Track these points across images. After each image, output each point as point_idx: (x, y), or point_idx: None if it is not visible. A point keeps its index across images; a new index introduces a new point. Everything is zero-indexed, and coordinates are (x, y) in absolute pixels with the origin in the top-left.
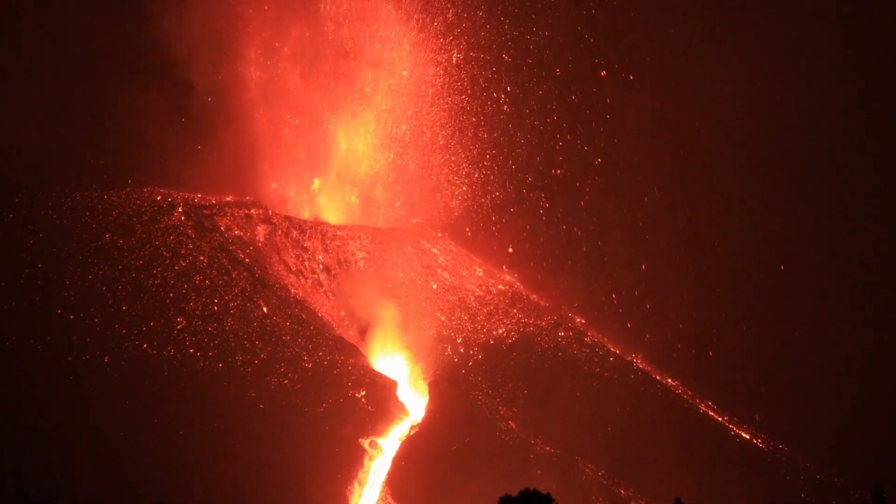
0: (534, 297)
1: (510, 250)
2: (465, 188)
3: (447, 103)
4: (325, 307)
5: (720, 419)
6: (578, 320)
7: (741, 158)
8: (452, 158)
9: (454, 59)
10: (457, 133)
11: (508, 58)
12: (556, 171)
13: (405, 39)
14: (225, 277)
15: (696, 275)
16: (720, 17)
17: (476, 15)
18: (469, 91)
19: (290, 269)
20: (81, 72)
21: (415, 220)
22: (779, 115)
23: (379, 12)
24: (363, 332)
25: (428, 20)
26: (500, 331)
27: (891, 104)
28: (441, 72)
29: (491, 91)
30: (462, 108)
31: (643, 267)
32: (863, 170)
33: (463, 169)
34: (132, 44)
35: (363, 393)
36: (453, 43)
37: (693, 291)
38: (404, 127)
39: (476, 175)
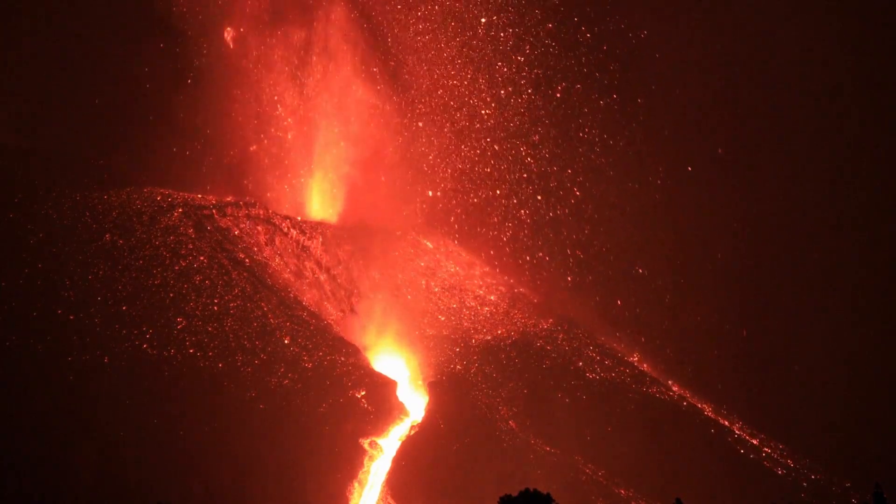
0: (533, 297)
1: (511, 251)
2: (465, 189)
3: (445, 106)
4: (324, 307)
5: (720, 419)
6: (578, 321)
7: (737, 161)
8: (453, 160)
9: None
10: (457, 136)
11: (504, 64)
12: (556, 174)
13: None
14: (225, 277)
15: (696, 276)
16: (717, 16)
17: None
18: (464, 95)
19: (290, 269)
20: (82, 73)
21: (415, 221)
22: (773, 116)
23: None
24: (363, 331)
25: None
26: (500, 331)
27: (885, 105)
28: (438, 75)
29: (483, 95)
30: (459, 110)
31: (642, 269)
32: (858, 172)
33: (464, 171)
34: (133, 45)
35: (363, 393)
36: (453, 45)
37: (692, 293)
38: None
39: (477, 176)
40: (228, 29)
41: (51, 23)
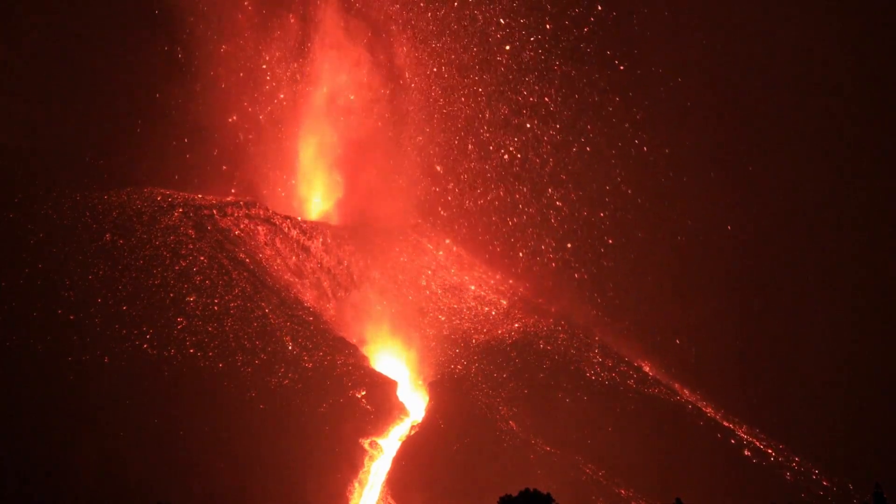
0: (533, 297)
1: (511, 251)
2: (466, 190)
3: (446, 108)
4: (325, 307)
5: (721, 420)
6: (578, 321)
7: (737, 162)
8: (454, 161)
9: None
10: (458, 138)
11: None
12: (556, 176)
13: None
14: (225, 277)
15: (697, 276)
16: (715, 18)
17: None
18: (465, 97)
19: (290, 269)
20: (82, 73)
21: (416, 222)
22: (769, 113)
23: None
24: (363, 331)
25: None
26: (500, 331)
27: (886, 105)
28: (435, 76)
29: (489, 97)
30: (460, 111)
31: (643, 269)
32: (859, 172)
33: (464, 172)
34: (133, 45)
35: (363, 393)
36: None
37: (693, 293)
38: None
39: (477, 177)
40: (222, 44)
41: (50, 23)
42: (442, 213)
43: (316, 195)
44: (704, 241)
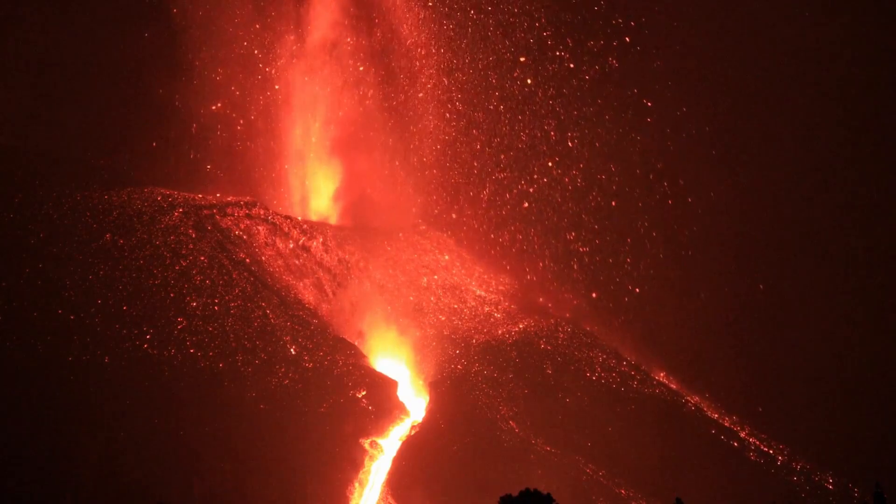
0: (534, 297)
1: (511, 251)
2: (465, 190)
3: (447, 110)
4: (325, 307)
5: (721, 420)
6: (578, 321)
7: (737, 165)
8: (454, 163)
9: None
10: (459, 139)
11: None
12: (556, 176)
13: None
14: (225, 277)
15: (696, 277)
16: (715, 17)
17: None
18: (468, 99)
19: (290, 269)
20: (82, 73)
21: (416, 222)
22: (769, 117)
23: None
24: (363, 331)
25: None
26: (500, 331)
27: (886, 103)
28: (439, 79)
29: (489, 102)
30: (461, 113)
31: (644, 268)
32: (856, 172)
33: (464, 172)
34: (133, 46)
35: (363, 393)
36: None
37: (693, 293)
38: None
39: (476, 178)
40: (220, 40)
41: (51, 23)
42: (448, 251)
43: (317, 190)
44: (706, 242)
